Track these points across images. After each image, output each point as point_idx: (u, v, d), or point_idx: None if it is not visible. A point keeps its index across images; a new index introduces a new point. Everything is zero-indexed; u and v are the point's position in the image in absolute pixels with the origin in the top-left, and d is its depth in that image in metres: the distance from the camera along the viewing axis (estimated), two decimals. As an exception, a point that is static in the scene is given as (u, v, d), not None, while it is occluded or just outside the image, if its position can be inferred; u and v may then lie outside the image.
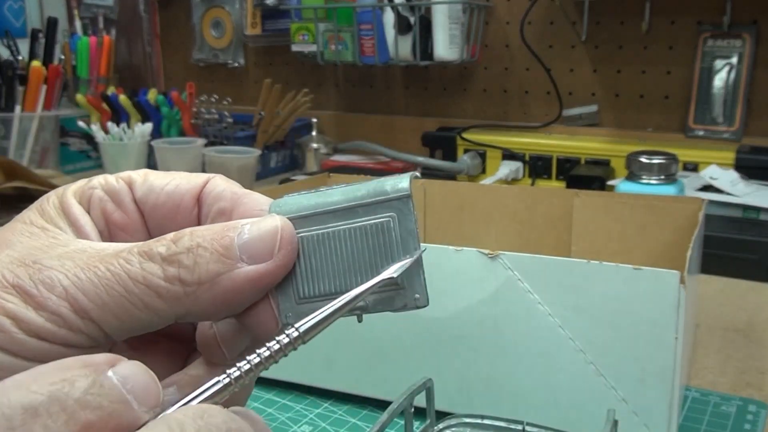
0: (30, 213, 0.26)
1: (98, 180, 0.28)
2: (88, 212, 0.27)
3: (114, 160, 1.26)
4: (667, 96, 1.16)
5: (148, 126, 1.28)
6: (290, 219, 0.26)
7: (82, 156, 1.48)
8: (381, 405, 0.52)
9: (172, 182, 0.28)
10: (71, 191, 0.27)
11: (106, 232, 0.27)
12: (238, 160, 1.19)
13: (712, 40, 1.10)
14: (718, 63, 1.10)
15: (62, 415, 0.19)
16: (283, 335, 0.24)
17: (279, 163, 1.40)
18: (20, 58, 1.39)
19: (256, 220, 0.25)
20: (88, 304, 0.23)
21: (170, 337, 0.28)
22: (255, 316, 0.25)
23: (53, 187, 1.07)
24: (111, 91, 1.41)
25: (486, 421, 0.41)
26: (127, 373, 0.21)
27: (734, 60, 1.09)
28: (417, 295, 0.25)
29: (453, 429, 0.41)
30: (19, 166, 1.03)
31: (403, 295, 0.25)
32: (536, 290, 0.45)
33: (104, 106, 1.38)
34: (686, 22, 1.13)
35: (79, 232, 0.26)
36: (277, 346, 0.24)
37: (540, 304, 0.45)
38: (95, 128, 1.27)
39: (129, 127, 1.30)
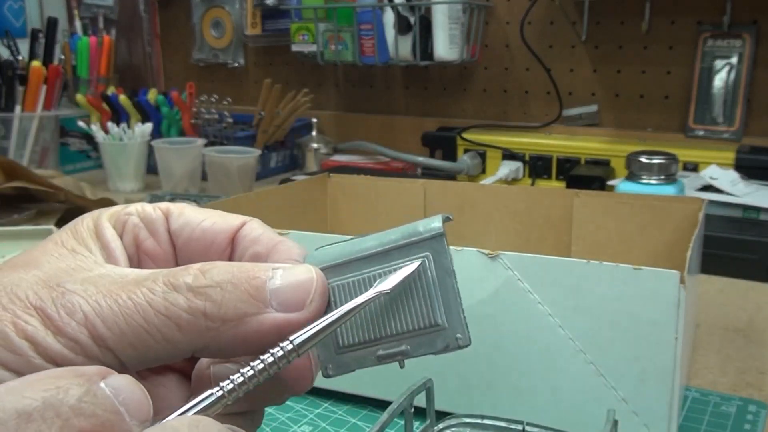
0: (63, 233, 0.26)
1: (135, 207, 0.28)
2: (121, 237, 0.27)
3: (114, 160, 1.26)
4: (667, 96, 1.16)
5: (148, 126, 1.28)
6: (324, 268, 0.25)
7: (82, 156, 1.48)
8: (381, 405, 0.52)
9: (209, 219, 0.28)
10: (107, 215, 0.27)
11: (135, 259, 0.27)
12: (238, 160, 1.19)
13: (712, 40, 1.10)
14: (718, 63, 1.10)
15: (57, 420, 0.19)
16: (277, 348, 0.24)
17: (279, 163, 1.40)
18: (20, 58, 1.39)
19: (289, 267, 0.25)
20: (106, 332, 0.22)
21: (181, 372, 0.28)
22: (293, 369, 0.25)
23: (53, 187, 1.07)
24: (111, 91, 1.41)
25: (486, 421, 0.41)
26: (119, 385, 0.21)
27: (734, 60, 1.09)
28: (458, 335, 0.24)
29: (453, 429, 0.41)
30: (19, 166, 1.03)
31: (444, 335, 0.25)
32: (536, 290, 0.45)
33: (104, 106, 1.38)
34: (686, 22, 1.13)
35: (109, 256, 0.26)
36: (270, 359, 0.23)
37: (540, 304, 0.45)
38: (95, 128, 1.27)
39: (129, 127, 1.30)
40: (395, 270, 0.25)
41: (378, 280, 0.25)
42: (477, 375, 0.47)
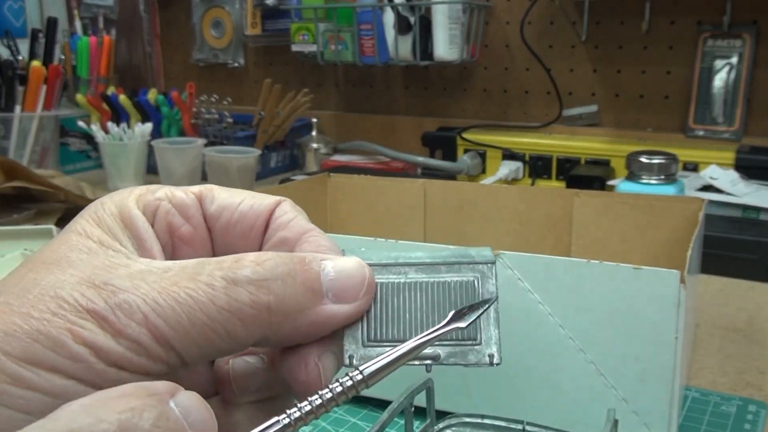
0: (84, 222, 0.25)
1: (164, 192, 0.27)
2: (153, 224, 0.26)
3: (114, 160, 1.26)
4: (667, 96, 1.16)
5: (148, 126, 1.28)
6: (370, 264, 0.26)
7: (82, 156, 1.48)
8: (381, 405, 0.52)
9: (246, 201, 0.27)
10: (133, 201, 0.26)
11: (169, 246, 0.26)
12: (238, 160, 1.19)
13: (712, 40, 1.11)
14: (718, 63, 1.10)
15: None
16: (347, 377, 0.24)
17: (279, 163, 1.40)
18: (20, 58, 1.39)
19: (339, 260, 0.25)
20: (169, 331, 0.21)
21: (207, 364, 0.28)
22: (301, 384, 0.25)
23: (53, 187, 1.06)
24: (111, 91, 1.41)
25: (486, 421, 0.41)
26: (188, 405, 0.20)
27: (734, 60, 1.09)
28: (491, 352, 0.25)
29: (453, 429, 0.41)
30: (19, 166, 1.03)
31: (477, 351, 0.25)
32: (536, 290, 0.45)
33: (104, 106, 1.38)
34: (686, 22, 1.13)
35: (141, 247, 0.25)
36: (339, 389, 0.24)
37: (540, 304, 0.45)
38: (95, 128, 1.27)
39: (129, 127, 1.30)
40: (450, 282, 0.26)
41: (451, 314, 0.25)
42: (477, 375, 0.47)
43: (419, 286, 0.26)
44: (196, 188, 0.28)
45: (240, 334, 0.23)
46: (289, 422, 0.23)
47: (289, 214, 0.27)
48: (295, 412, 0.23)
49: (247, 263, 0.23)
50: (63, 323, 0.21)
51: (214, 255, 0.26)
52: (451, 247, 0.27)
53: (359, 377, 0.24)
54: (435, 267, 0.26)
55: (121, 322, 0.21)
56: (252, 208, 0.27)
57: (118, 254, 0.24)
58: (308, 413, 0.23)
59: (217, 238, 0.28)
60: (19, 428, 0.19)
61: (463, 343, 0.25)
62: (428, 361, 0.25)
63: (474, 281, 0.26)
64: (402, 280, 0.26)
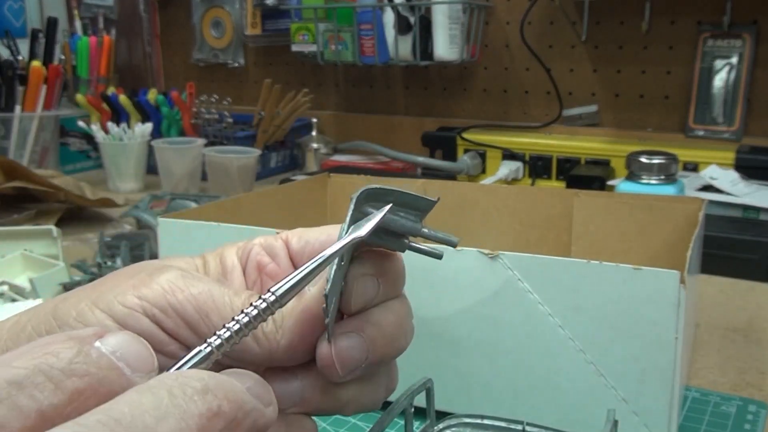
0: (204, 256, 0.32)
1: (260, 239, 0.32)
2: (246, 263, 0.31)
3: (114, 160, 1.26)
4: (667, 96, 1.16)
5: (148, 126, 1.28)
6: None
7: (82, 156, 1.48)
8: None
9: (324, 233, 0.31)
10: (235, 247, 0.32)
11: (258, 281, 0.31)
12: (238, 160, 1.19)
13: (712, 40, 1.10)
14: (718, 63, 1.10)
15: (48, 384, 0.19)
16: (260, 300, 0.25)
17: (279, 163, 1.40)
18: (20, 58, 1.39)
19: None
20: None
21: None
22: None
23: (53, 187, 1.07)
24: (111, 91, 1.41)
25: (486, 421, 0.41)
26: (116, 343, 0.21)
27: (734, 60, 1.09)
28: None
29: (453, 429, 0.41)
30: (19, 166, 1.03)
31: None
32: (536, 290, 0.45)
33: (104, 106, 1.38)
34: (686, 22, 1.13)
35: (227, 278, 0.31)
36: (255, 312, 0.25)
37: (540, 304, 0.45)
38: (95, 128, 1.27)
39: (129, 127, 1.30)
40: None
41: (352, 227, 0.27)
42: (477, 375, 0.47)
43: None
44: (284, 234, 0.32)
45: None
46: (210, 350, 0.24)
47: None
48: (215, 339, 0.24)
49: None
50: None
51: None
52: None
53: (272, 298, 0.25)
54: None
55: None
56: (329, 237, 0.31)
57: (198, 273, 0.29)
58: (228, 339, 0.24)
59: None
60: None
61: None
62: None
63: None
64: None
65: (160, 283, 0.27)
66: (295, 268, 0.29)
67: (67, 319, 0.26)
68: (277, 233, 0.32)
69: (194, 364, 0.23)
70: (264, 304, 0.25)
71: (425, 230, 0.28)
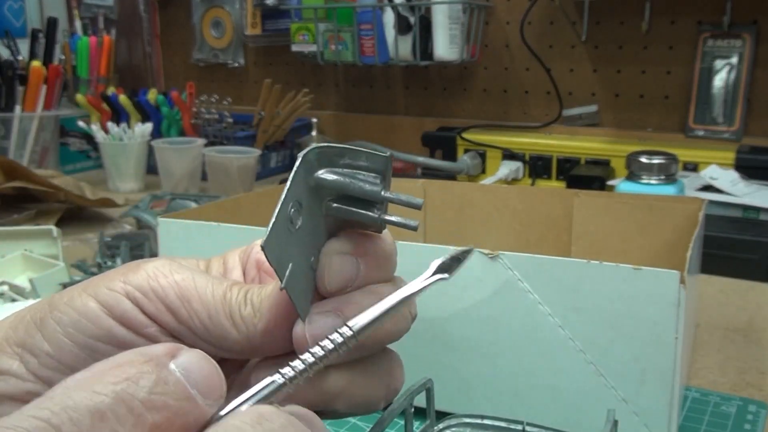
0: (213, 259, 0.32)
1: (259, 241, 0.32)
2: (246, 262, 0.32)
3: (114, 160, 1.26)
4: (667, 96, 1.16)
5: (148, 126, 1.28)
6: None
7: (82, 156, 1.48)
8: (381, 405, 0.52)
9: None
10: (238, 250, 0.33)
11: (257, 278, 0.31)
12: (238, 160, 1.19)
13: (712, 40, 1.10)
14: (718, 63, 1.10)
15: (130, 417, 0.19)
16: (336, 334, 0.24)
17: (279, 163, 1.40)
18: (20, 58, 1.39)
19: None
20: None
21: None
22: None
23: (53, 187, 1.07)
24: (111, 91, 1.41)
25: (486, 421, 0.41)
26: (189, 364, 0.21)
27: (734, 60, 1.09)
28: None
29: (453, 429, 0.41)
30: (19, 166, 1.03)
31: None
32: (536, 290, 0.45)
33: (104, 106, 1.38)
34: (686, 22, 1.13)
35: (226, 275, 0.31)
36: (330, 345, 0.24)
37: (540, 304, 0.45)
38: (95, 128, 1.27)
39: (129, 127, 1.30)
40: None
41: (434, 265, 0.27)
42: (477, 375, 0.47)
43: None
44: None
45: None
46: (284, 381, 0.23)
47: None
48: (288, 371, 0.23)
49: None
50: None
51: None
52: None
53: (349, 333, 0.24)
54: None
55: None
56: None
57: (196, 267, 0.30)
58: (302, 371, 0.23)
59: None
60: None
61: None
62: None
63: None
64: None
65: (146, 270, 0.27)
66: None
67: (59, 305, 0.26)
68: None
69: (265, 396, 0.23)
70: (340, 339, 0.24)
71: (386, 194, 0.27)
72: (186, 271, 0.27)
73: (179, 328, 0.26)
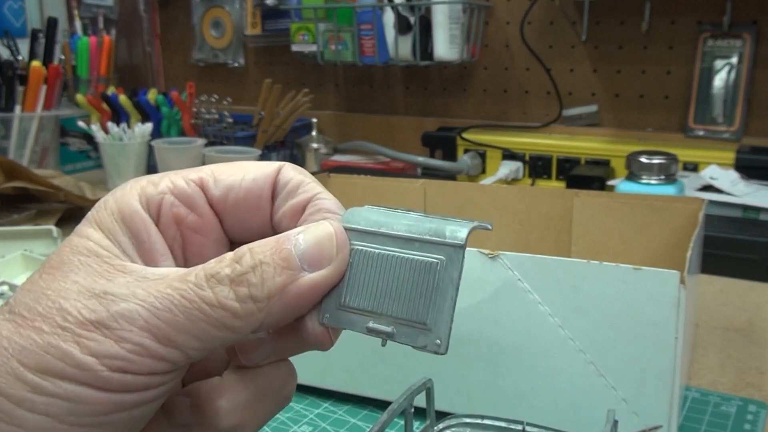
0: (86, 224, 0.26)
1: (166, 184, 0.27)
2: (158, 218, 0.27)
3: (114, 160, 1.26)
4: (667, 96, 1.16)
5: (148, 126, 1.28)
6: (348, 228, 0.27)
7: (82, 156, 1.48)
8: (381, 405, 0.52)
9: (248, 175, 0.28)
10: (135, 197, 0.27)
11: (179, 237, 0.28)
12: (238, 159, 1.19)
13: (712, 40, 1.10)
14: (718, 63, 1.10)
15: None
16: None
17: (279, 163, 1.39)
18: (20, 58, 1.39)
19: (310, 227, 0.26)
20: (171, 331, 0.23)
21: None
22: (314, 336, 0.27)
23: (53, 187, 1.06)
24: (111, 91, 1.41)
25: (486, 421, 0.41)
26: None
27: (734, 60, 1.09)
28: (438, 341, 0.26)
29: (453, 429, 0.41)
30: (19, 166, 1.03)
31: (426, 336, 0.26)
32: (536, 290, 0.45)
33: (104, 106, 1.38)
34: (686, 22, 1.13)
35: (141, 247, 0.26)
36: None
37: (540, 304, 0.45)
38: (95, 128, 1.27)
39: (129, 127, 1.30)
40: (415, 260, 0.26)
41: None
42: (477, 375, 0.47)
43: (389, 259, 0.26)
44: (197, 174, 0.28)
45: (236, 325, 0.24)
46: None
47: (293, 179, 0.28)
48: None
49: (227, 262, 0.24)
50: (70, 336, 0.23)
51: (227, 236, 0.29)
52: (439, 218, 0.27)
53: None
54: (410, 242, 0.26)
55: (124, 329, 0.23)
56: (255, 181, 0.28)
57: (116, 258, 0.25)
58: None
59: (227, 219, 0.28)
60: (46, 430, 0.22)
61: (415, 325, 0.26)
62: (383, 336, 0.26)
63: (438, 263, 0.26)
64: (376, 250, 0.26)
65: None
66: (220, 218, 0.28)
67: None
68: (189, 178, 0.28)
69: None
70: None
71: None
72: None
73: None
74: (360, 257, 0.26)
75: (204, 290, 0.24)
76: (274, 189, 0.28)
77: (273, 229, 0.28)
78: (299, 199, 0.28)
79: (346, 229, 0.27)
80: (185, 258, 0.28)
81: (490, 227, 0.26)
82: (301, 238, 0.25)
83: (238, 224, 0.28)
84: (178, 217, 0.27)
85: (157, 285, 0.24)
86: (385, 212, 0.27)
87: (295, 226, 0.27)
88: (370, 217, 0.27)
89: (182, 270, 0.25)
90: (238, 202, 0.28)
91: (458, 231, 0.26)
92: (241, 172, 0.28)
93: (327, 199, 0.28)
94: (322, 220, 0.27)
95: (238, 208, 0.28)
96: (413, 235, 0.26)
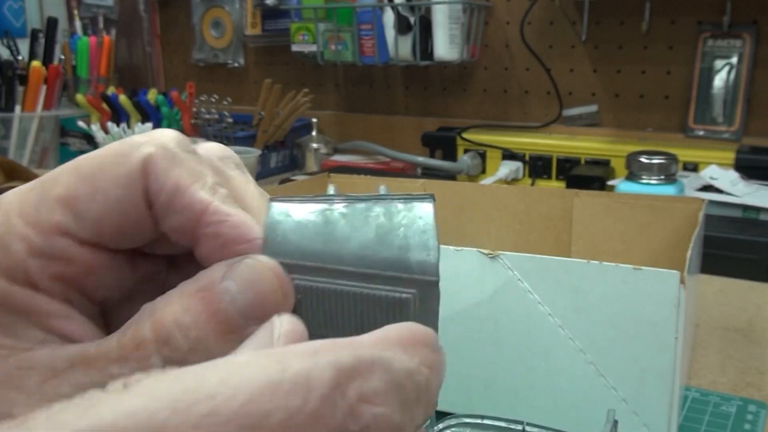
0: None
1: (20, 247, 0.20)
2: (34, 284, 0.20)
3: (114, 160, 1.26)
4: (667, 96, 1.16)
5: (148, 126, 1.28)
6: (285, 264, 0.21)
7: (82, 156, 1.48)
8: (381, 405, 0.52)
9: (110, 194, 0.20)
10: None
11: (73, 285, 0.21)
12: (238, 160, 1.19)
13: (712, 40, 1.10)
14: (718, 63, 1.10)
15: None
16: None
17: (279, 163, 1.40)
18: (20, 58, 1.39)
19: (235, 268, 0.20)
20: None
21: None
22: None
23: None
24: (111, 91, 1.41)
25: (486, 421, 0.41)
26: None
27: (734, 60, 1.09)
28: None
29: (453, 429, 0.41)
30: (19, 166, 1.03)
31: None
32: (536, 290, 0.45)
33: (104, 106, 1.38)
34: (686, 22, 1.13)
35: (30, 318, 0.20)
36: None
37: (540, 304, 0.45)
38: (95, 128, 1.27)
39: (129, 127, 1.30)
40: (381, 296, 0.22)
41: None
42: (477, 375, 0.47)
43: (348, 295, 0.21)
44: (48, 219, 0.20)
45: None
46: None
47: (166, 184, 0.20)
48: None
49: (153, 357, 0.19)
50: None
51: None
52: (387, 234, 0.22)
53: None
54: (369, 277, 0.21)
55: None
56: (120, 202, 0.20)
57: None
58: None
59: (113, 245, 0.22)
60: None
61: None
62: None
63: (410, 298, 0.22)
64: (329, 286, 0.21)
65: None
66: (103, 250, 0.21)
67: None
68: (43, 228, 0.20)
69: None
70: None
71: None
72: None
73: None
74: (309, 295, 0.21)
75: None
76: (149, 198, 0.21)
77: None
78: (182, 220, 0.21)
79: (283, 265, 0.20)
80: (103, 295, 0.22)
81: (432, 203, 0.23)
82: (233, 287, 0.19)
83: (134, 239, 0.22)
84: (58, 275, 0.20)
85: None
86: (315, 220, 0.22)
87: (191, 243, 0.21)
88: (303, 235, 0.21)
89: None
90: (114, 231, 0.21)
91: (426, 258, 0.22)
92: (96, 195, 0.20)
93: (228, 218, 0.20)
94: (238, 254, 0.20)
95: (120, 236, 0.21)
96: (370, 271, 0.21)
